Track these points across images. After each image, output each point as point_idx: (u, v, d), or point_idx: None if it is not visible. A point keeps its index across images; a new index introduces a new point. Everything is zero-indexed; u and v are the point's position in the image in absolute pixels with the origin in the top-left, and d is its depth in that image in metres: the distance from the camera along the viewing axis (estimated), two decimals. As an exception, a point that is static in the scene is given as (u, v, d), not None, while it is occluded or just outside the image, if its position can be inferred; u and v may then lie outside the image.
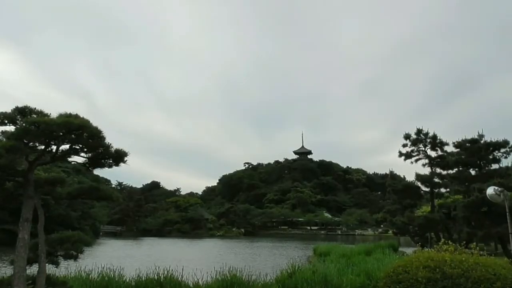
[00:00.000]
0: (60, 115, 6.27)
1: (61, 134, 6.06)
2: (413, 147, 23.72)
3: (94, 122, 6.83)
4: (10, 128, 6.32)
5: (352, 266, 13.26)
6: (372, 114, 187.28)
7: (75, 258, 6.62)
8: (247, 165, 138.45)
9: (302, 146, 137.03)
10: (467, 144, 19.82)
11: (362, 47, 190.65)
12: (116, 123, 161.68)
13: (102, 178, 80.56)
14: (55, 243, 6.54)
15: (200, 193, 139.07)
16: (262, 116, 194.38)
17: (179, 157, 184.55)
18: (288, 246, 40.86)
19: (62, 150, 6.50)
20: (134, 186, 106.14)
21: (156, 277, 10.46)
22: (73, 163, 8.35)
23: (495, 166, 19.54)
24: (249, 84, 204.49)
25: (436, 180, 22.87)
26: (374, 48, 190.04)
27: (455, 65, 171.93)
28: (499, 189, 9.88)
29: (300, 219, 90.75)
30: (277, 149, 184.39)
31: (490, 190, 9.97)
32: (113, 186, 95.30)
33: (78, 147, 6.53)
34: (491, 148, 19.23)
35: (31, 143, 6.14)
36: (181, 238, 57.07)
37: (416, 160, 23.63)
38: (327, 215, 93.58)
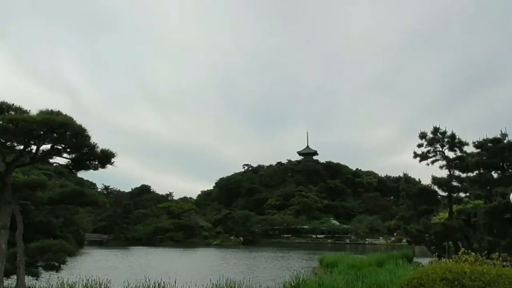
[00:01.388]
0: (41, 112, 6.26)
1: (41, 132, 6.04)
2: (429, 147, 23.69)
3: (78, 120, 6.84)
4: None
5: (362, 278, 13.26)
6: (383, 111, 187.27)
7: (57, 269, 6.62)
8: (246, 167, 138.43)
9: (307, 147, 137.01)
10: (488, 144, 19.81)
11: (372, 37, 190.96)
12: (103, 121, 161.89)
13: (87, 181, 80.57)
14: (35, 253, 6.54)
15: (195, 198, 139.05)
16: (263, 113, 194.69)
17: (172, 158, 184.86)
18: (291, 257, 40.83)
19: (43, 151, 6.50)
20: (122, 190, 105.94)
21: (146, 290, 10.46)
22: (55, 164, 8.37)
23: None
24: (249, 79, 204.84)
25: (455, 183, 22.83)
26: (386, 38, 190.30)
27: (475, 57, 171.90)
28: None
29: (304, 227, 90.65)
30: (280, 150, 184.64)
31: (514, 195, 9.97)
32: (99, 190, 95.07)
33: (60, 147, 6.52)
34: (515, 149, 19.22)
35: (9, 143, 6.13)
36: (173, 248, 57.02)
37: (433, 162, 23.60)
38: (334, 222, 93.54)
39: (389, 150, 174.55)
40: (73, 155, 6.93)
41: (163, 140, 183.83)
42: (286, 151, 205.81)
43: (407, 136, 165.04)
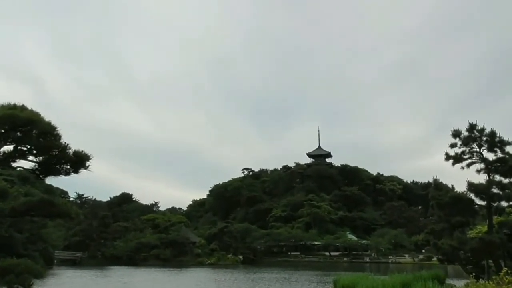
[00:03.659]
0: (1, 107, 6.24)
1: (2, 131, 6.04)
2: (464, 148, 23.61)
3: (46, 116, 6.81)
4: None
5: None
6: (409, 104, 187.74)
7: (22, 293, 6.60)
8: (246, 172, 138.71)
9: (319, 147, 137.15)
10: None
11: (396, 17, 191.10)
12: (74, 117, 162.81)
13: (57, 189, 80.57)
14: (-6, 275, 6.52)
15: (185, 208, 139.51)
16: (265, 107, 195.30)
17: (157, 161, 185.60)
18: (299, 279, 40.90)
19: (4, 152, 6.49)
20: (98, 199, 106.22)
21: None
22: (18, 169, 8.36)
23: None
24: (249, 66, 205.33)
25: (495, 190, 22.74)
26: (412, 19, 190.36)
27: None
28: None
29: (316, 243, 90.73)
30: (286, 151, 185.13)
31: None
32: (71, 199, 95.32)
33: (25, 148, 6.50)
34: None
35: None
36: (159, 268, 57.16)
37: (469, 165, 23.52)
38: (351, 237, 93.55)
39: (416, 151, 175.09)
40: (41, 157, 6.92)
41: (146, 139, 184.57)
42: (294, 153, 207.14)
43: (437, 134, 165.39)
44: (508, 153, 22.98)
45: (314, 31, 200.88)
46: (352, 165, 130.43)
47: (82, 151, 7.65)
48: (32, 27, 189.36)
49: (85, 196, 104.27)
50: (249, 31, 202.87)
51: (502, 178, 22.62)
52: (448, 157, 23.88)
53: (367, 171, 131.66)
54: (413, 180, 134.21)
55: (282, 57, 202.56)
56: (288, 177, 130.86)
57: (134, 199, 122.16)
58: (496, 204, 23.60)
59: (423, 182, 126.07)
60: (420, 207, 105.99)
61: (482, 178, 23.11)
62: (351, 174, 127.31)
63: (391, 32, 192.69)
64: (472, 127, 23.60)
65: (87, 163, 7.53)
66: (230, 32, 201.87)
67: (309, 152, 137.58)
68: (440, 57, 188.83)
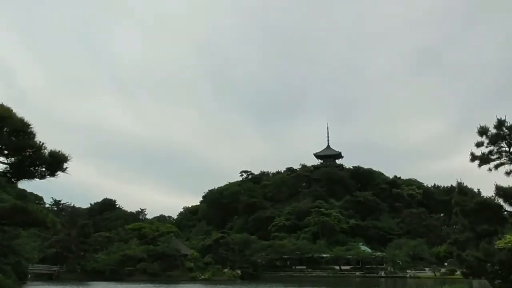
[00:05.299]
0: (-31, 101, 6.31)
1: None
2: (492, 147, 23.68)
3: (19, 112, 6.88)
4: None
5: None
6: (429, 98, 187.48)
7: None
8: (245, 175, 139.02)
9: (328, 146, 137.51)
10: None
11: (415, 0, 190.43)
12: (50, 113, 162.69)
13: (31, 194, 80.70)
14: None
15: (175, 216, 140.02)
16: (266, 102, 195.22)
17: (143, 163, 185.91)
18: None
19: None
20: (77, 206, 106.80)
21: None
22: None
23: None
24: (247, 57, 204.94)
25: (527, 195, 22.86)
26: (433, 1, 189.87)
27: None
28: None
29: (324, 255, 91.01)
30: (290, 151, 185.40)
31: None
32: (47, 206, 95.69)
33: (-5, 148, 6.57)
34: None
35: None
36: (147, 283, 57.30)
37: (497, 166, 23.58)
38: (364, 248, 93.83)
39: (437, 151, 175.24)
40: (12, 158, 6.98)
41: (131, 138, 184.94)
42: (299, 153, 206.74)
43: (461, 131, 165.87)
44: (541, 153, 23.07)
45: (320, 13, 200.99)
46: (365, 167, 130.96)
47: (59, 151, 7.71)
48: None
49: (62, 202, 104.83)
50: (246, 12, 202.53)
51: (534, 181, 22.71)
52: (473, 157, 23.92)
53: (382, 174, 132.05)
54: (435, 184, 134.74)
55: (284, 49, 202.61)
56: (293, 181, 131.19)
57: (117, 206, 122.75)
58: (528, 210, 23.71)
59: (445, 186, 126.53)
60: (442, 215, 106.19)
61: (512, 181, 23.21)
62: (364, 177, 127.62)
63: (409, 15, 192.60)
64: (500, 123, 23.64)
65: (65, 165, 7.58)
66: (224, 13, 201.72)
67: (316, 153, 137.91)
68: (464, 43, 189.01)
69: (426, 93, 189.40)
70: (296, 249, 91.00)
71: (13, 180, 7.27)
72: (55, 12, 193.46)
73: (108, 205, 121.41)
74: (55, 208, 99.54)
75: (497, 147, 23.72)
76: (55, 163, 7.34)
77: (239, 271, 77.01)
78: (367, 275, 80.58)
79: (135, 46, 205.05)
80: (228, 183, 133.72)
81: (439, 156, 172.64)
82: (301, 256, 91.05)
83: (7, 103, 6.85)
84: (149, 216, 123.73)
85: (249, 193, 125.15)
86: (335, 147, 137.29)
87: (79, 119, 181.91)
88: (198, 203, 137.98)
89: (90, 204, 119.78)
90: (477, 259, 24.11)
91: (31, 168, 7.27)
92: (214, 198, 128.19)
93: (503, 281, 24.78)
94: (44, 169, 7.52)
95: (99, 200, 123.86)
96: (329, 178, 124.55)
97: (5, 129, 6.49)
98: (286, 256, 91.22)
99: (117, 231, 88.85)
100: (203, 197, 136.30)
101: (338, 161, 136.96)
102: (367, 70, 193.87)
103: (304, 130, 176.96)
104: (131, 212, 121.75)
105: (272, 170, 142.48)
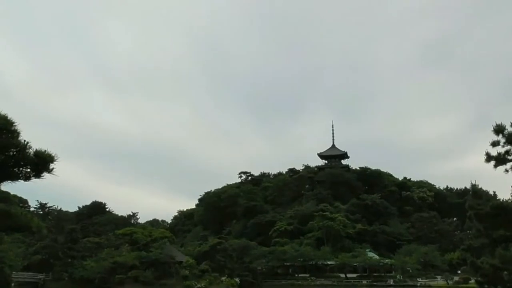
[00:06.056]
0: None
1: None
2: (509, 146, 23.51)
3: (4, 109, 6.69)
4: None
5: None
6: (441, 94, 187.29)
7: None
8: (244, 177, 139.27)
9: (333, 146, 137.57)
10: None
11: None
12: (36, 110, 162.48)
13: (15, 197, 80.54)
14: None
15: (169, 221, 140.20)
16: (267, 99, 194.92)
17: (134, 163, 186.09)
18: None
19: None
20: (65, 209, 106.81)
21: None
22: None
23: None
24: (246, 49, 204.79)
25: (547, 199, 22.74)
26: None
27: None
28: None
29: (329, 262, 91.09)
30: (293, 151, 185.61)
31: None
32: (32, 209, 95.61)
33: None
34: None
35: None
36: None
37: (514, 167, 23.48)
38: (372, 255, 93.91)
39: (450, 151, 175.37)
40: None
41: (122, 137, 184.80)
42: (302, 153, 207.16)
43: (476, 129, 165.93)
44: (563, 153, 22.93)
45: (325, 8, 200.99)
46: (373, 167, 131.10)
47: (45, 150, 7.55)
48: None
49: (48, 205, 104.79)
50: (248, 11, 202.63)
51: (555, 184, 22.58)
52: (489, 157, 23.74)
53: (391, 175, 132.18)
54: (447, 186, 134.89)
55: (286, 41, 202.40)
56: (295, 182, 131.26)
57: (107, 209, 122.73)
58: (548, 215, 23.56)
59: (458, 188, 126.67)
60: (455, 219, 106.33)
61: (531, 183, 23.09)
62: (372, 178, 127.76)
63: (421, 3, 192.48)
64: (518, 122, 23.56)
65: (51, 166, 7.42)
66: (226, 11, 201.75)
67: (321, 153, 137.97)
68: (479, 35, 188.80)
69: (438, 88, 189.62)
70: (298, 255, 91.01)
71: (-6, 182, 7.07)
72: (42, 4, 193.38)
73: (97, 208, 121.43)
74: (41, 212, 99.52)
75: (515, 147, 23.62)
76: (40, 163, 7.18)
77: (237, 279, 76.99)
78: (375, 283, 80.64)
79: (125, 39, 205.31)
80: (226, 185, 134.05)
81: (452, 156, 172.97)
82: (304, 263, 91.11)
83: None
84: (141, 220, 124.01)
85: (248, 195, 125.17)
86: (341, 147, 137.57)
87: (68, 117, 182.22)
88: (194, 207, 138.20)
89: (78, 207, 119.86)
90: (492, 266, 23.98)
91: (15, 169, 7.11)
92: (211, 201, 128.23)
93: (522, 290, 24.67)
94: (29, 170, 7.37)
95: (88, 203, 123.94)
96: (334, 179, 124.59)
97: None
98: (288, 263, 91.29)
99: (107, 237, 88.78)
100: (199, 200, 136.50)
101: (343, 162, 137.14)
102: (376, 64, 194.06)
103: (307, 128, 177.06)
104: (122, 216, 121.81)
105: (273, 171, 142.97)
